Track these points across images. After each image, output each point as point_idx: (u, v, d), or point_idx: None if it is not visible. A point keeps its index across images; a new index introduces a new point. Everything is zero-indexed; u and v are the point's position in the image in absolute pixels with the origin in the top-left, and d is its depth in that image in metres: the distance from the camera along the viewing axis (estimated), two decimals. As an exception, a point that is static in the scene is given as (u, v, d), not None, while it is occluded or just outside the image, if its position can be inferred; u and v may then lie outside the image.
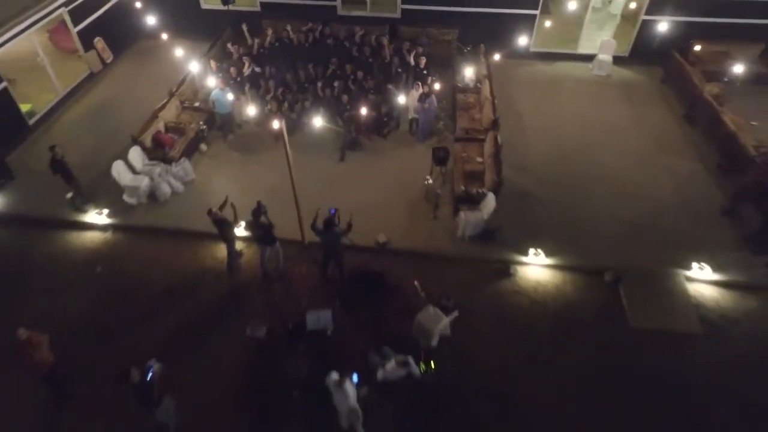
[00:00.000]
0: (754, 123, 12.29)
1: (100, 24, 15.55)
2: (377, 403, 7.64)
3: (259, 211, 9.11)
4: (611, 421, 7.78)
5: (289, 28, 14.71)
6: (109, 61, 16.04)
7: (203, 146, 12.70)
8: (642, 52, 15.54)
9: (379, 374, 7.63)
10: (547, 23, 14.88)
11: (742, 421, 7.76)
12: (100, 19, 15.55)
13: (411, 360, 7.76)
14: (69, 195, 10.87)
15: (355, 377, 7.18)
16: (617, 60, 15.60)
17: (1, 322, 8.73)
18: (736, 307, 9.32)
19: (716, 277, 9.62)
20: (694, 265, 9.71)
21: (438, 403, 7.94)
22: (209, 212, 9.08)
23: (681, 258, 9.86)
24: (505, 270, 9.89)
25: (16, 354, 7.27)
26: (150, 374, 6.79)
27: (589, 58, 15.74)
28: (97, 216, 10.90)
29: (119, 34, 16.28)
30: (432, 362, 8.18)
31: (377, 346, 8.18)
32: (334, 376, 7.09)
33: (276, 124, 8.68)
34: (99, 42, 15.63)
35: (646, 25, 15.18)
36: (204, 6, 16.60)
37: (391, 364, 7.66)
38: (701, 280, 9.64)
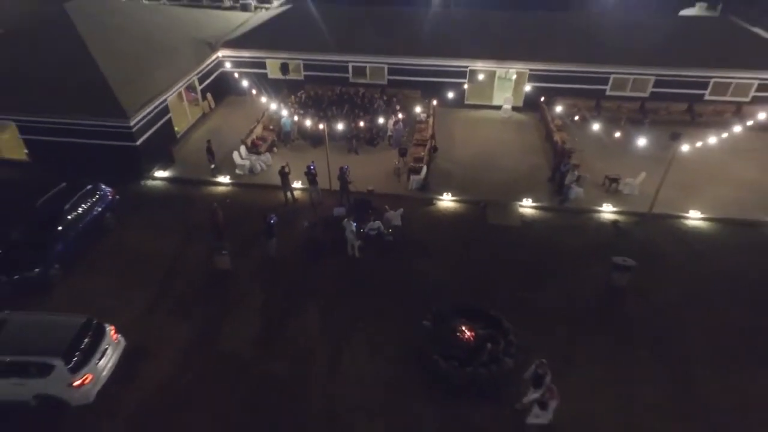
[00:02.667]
0: (576, 139, 22.58)
1: (210, 85, 26.64)
2: (364, 246, 17.34)
3: (310, 171, 19.23)
4: (474, 273, 17.39)
5: (320, 90, 25.67)
6: (213, 107, 26.96)
7: (275, 149, 23.11)
8: (527, 103, 26.27)
9: (365, 229, 17.43)
10: (473, 85, 25.73)
11: (531, 265, 17.35)
12: (211, 82, 26.66)
13: (381, 226, 17.57)
14: (212, 167, 21.13)
15: (353, 222, 17.00)
16: (514, 108, 26.31)
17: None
18: (537, 216, 19.13)
19: (532, 203, 19.50)
20: (524, 199, 19.62)
21: (391, 247, 17.60)
22: (279, 170, 19.21)
23: (519, 196, 19.77)
24: (430, 202, 19.85)
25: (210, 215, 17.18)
26: (272, 220, 16.66)
27: (498, 107, 26.48)
28: (223, 178, 21.10)
29: (220, 91, 27.36)
30: (390, 231, 17.93)
31: (366, 220, 17.99)
32: (343, 212, 16.92)
33: (321, 126, 19.09)
34: (209, 95, 26.63)
35: (529, 89, 25.99)
36: (270, 76, 27.74)
37: (370, 225, 17.49)
38: (525, 206, 19.52)
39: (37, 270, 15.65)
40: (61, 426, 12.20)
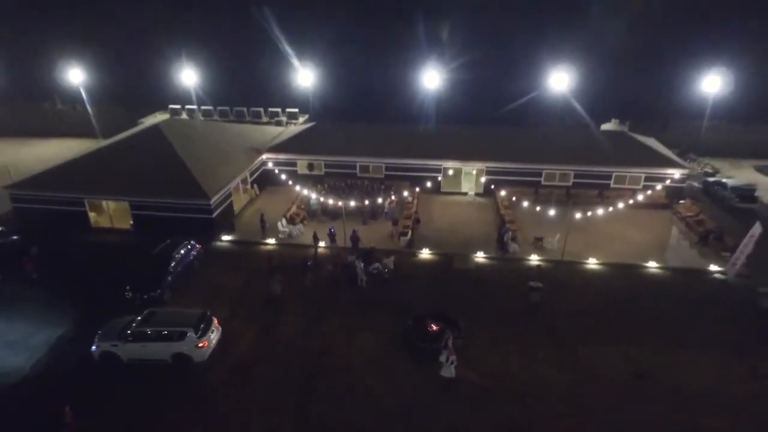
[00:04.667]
0: (513, 212, 32.18)
1: (256, 178, 36.90)
2: (369, 280, 26.10)
3: (331, 233, 28.57)
4: (441, 297, 26.11)
5: (336, 182, 35.89)
6: (258, 193, 36.97)
7: (305, 221, 32.62)
8: (486, 190, 36.33)
9: (369, 268, 26.33)
10: (446, 177, 35.94)
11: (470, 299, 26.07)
12: (257, 176, 36.94)
13: (380, 267, 26.48)
14: (263, 231, 30.48)
15: (362, 263, 25.94)
16: (477, 194, 36.33)
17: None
18: (486, 263, 28.07)
19: (483, 255, 28.53)
20: (479, 252, 28.70)
21: (386, 281, 26.30)
22: (313, 236, 28.56)
23: (475, 250, 28.85)
24: (413, 254, 28.91)
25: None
26: (308, 263, 25.64)
27: (464, 193, 36.55)
28: (270, 240, 30.31)
29: (263, 182, 37.57)
30: (386, 271, 26.76)
31: (370, 263, 26.85)
32: (354, 259, 25.93)
33: (339, 203, 28.78)
34: (255, 186, 36.77)
35: (485, 180, 36.21)
36: (299, 172, 38.11)
37: (373, 266, 26.42)
38: (479, 256, 28.54)
39: (158, 291, 24.30)
40: (187, 374, 20.18)
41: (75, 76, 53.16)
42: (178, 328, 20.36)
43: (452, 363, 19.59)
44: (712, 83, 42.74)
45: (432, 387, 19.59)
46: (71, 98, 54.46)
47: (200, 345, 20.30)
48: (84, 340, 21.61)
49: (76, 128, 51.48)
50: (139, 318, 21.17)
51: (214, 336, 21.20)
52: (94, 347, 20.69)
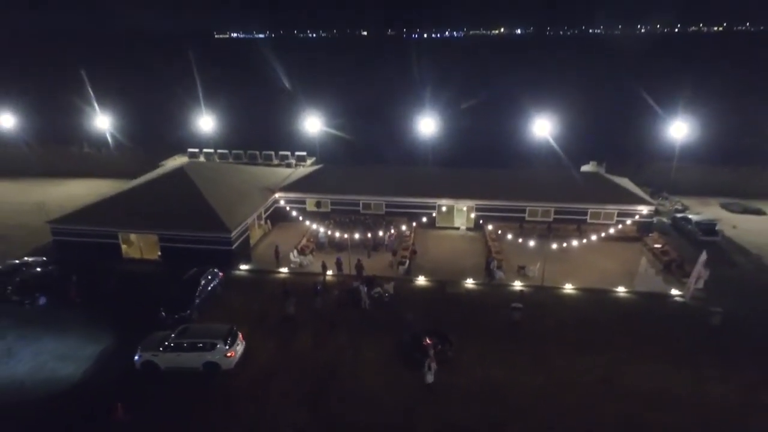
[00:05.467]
0: (500, 244, 36.09)
1: (269, 215, 40.98)
2: (370, 302, 29.73)
3: (338, 261, 32.39)
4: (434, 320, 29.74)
5: (341, 218, 39.99)
6: (270, 228, 40.98)
7: (314, 252, 36.46)
8: (476, 225, 40.37)
9: (372, 292, 29.98)
10: (440, 214, 40.07)
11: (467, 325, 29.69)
12: (270, 213, 41.04)
13: (381, 291, 30.16)
14: (277, 261, 34.27)
15: (365, 287, 29.65)
16: (468, 228, 40.36)
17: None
18: (475, 288, 31.74)
19: (473, 281, 32.24)
20: (468, 279, 32.43)
21: (387, 303, 29.91)
22: (322, 265, 32.38)
23: (465, 277, 32.57)
24: (411, 280, 32.63)
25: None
26: (318, 287, 29.40)
27: (457, 228, 40.58)
28: (283, 269, 34.05)
29: (275, 218, 41.63)
30: (386, 295, 30.41)
31: (372, 288, 30.51)
32: (358, 284, 29.65)
33: (346, 235, 32.74)
34: (268, 221, 40.81)
35: (474, 216, 40.31)
36: (308, 209, 42.25)
37: (375, 290, 30.11)
38: (469, 283, 32.24)
39: (187, 312, 27.87)
40: (215, 380, 23.52)
41: (102, 122, 58.27)
42: (209, 340, 23.86)
43: (432, 370, 22.97)
44: (679, 129, 47.68)
45: (425, 389, 22.94)
46: (97, 142, 59.41)
47: (228, 354, 23.75)
48: (125, 352, 25.07)
49: (101, 169, 56.02)
50: (175, 332, 24.70)
51: (239, 348, 24.66)
52: (136, 357, 24.12)
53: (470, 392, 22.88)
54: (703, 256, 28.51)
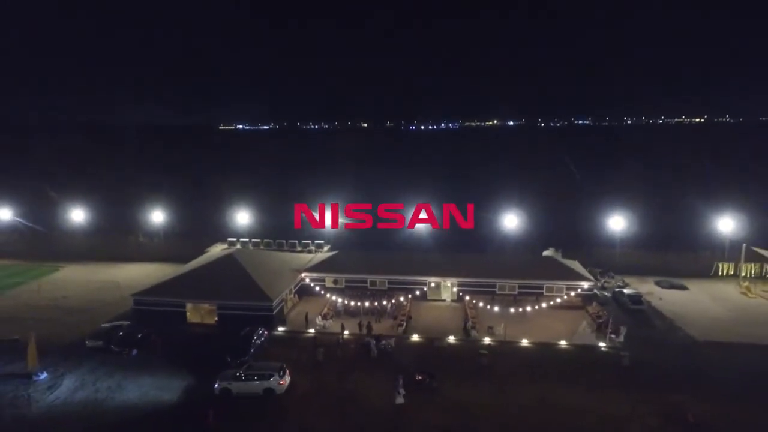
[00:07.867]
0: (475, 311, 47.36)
1: (297, 290, 52.56)
2: (377, 352, 40.55)
3: (361, 325, 43.58)
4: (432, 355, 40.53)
5: (354, 292, 51.70)
6: (298, 300, 52.36)
7: (333, 318, 47.61)
8: (458, 297, 51.81)
9: (378, 344, 40.92)
10: (430, 288, 51.72)
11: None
12: (298, 289, 52.67)
13: (385, 343, 41.09)
14: (306, 321, 45.38)
15: (374, 341, 40.63)
16: (452, 300, 51.77)
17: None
18: (455, 343, 42.64)
19: (452, 338, 43.19)
20: (450, 336, 43.39)
21: (389, 353, 40.66)
22: (341, 326, 43.59)
23: (449, 335, 43.53)
24: (407, 338, 43.55)
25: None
26: (339, 341, 40.38)
27: (444, 300, 52.06)
28: (311, 330, 45.07)
29: (301, 293, 53.16)
30: (390, 346, 41.24)
31: (378, 342, 41.41)
32: (368, 340, 40.68)
33: (359, 304, 44.23)
34: (296, 295, 52.33)
35: (456, 290, 52.02)
36: (327, 286, 53.91)
37: (382, 342, 41.07)
38: (450, 339, 43.17)
39: (246, 357, 38.67)
40: (272, 401, 33.93)
41: (156, 216, 71.68)
42: (268, 372, 34.62)
43: (402, 394, 33.48)
44: (617, 221, 60.79)
45: (414, 407, 33.35)
46: (149, 232, 72.40)
47: (281, 383, 34.38)
48: (203, 385, 35.60)
49: (153, 256, 68.31)
50: (243, 369, 35.45)
51: (287, 378, 35.28)
52: (215, 385, 34.68)
53: (446, 407, 33.27)
54: (612, 314, 39.85)
